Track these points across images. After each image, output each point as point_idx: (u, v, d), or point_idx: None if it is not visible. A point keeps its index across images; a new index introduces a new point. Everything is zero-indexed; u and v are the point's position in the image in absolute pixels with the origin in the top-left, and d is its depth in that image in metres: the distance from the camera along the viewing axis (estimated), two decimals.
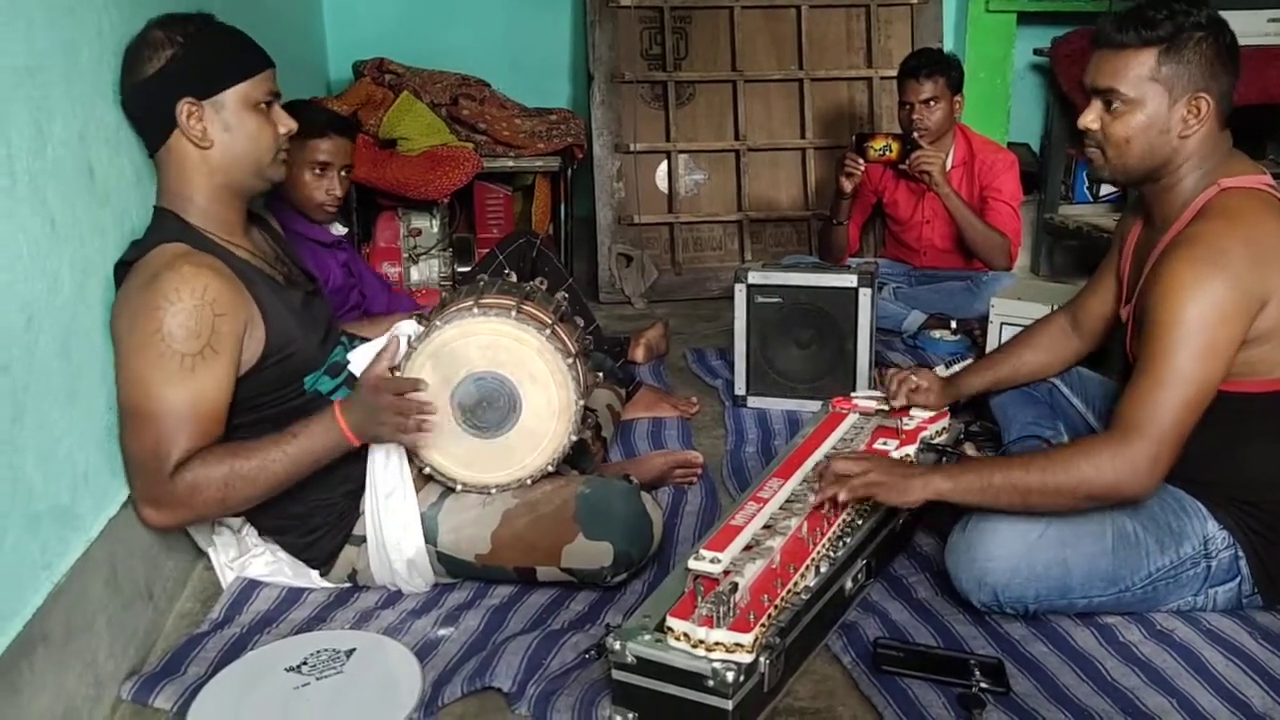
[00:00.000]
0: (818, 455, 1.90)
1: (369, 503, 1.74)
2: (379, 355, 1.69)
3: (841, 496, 1.65)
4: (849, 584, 1.68)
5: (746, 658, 1.37)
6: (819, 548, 1.62)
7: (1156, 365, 1.56)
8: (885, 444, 1.93)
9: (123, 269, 1.62)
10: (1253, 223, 1.58)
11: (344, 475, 1.73)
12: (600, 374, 2.29)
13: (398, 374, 1.69)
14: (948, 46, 3.97)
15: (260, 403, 1.68)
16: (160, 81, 1.62)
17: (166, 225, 1.65)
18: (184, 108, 1.61)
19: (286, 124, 1.72)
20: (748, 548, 1.56)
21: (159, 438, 1.55)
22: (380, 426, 1.66)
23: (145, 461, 1.56)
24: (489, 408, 1.73)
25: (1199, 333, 1.53)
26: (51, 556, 1.41)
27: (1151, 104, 1.63)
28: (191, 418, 1.56)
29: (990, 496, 1.61)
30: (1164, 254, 1.63)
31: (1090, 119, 1.68)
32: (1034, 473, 1.58)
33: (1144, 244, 1.78)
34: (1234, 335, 1.56)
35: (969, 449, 2.11)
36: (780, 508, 1.69)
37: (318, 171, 2.36)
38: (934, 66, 3.14)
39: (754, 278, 2.65)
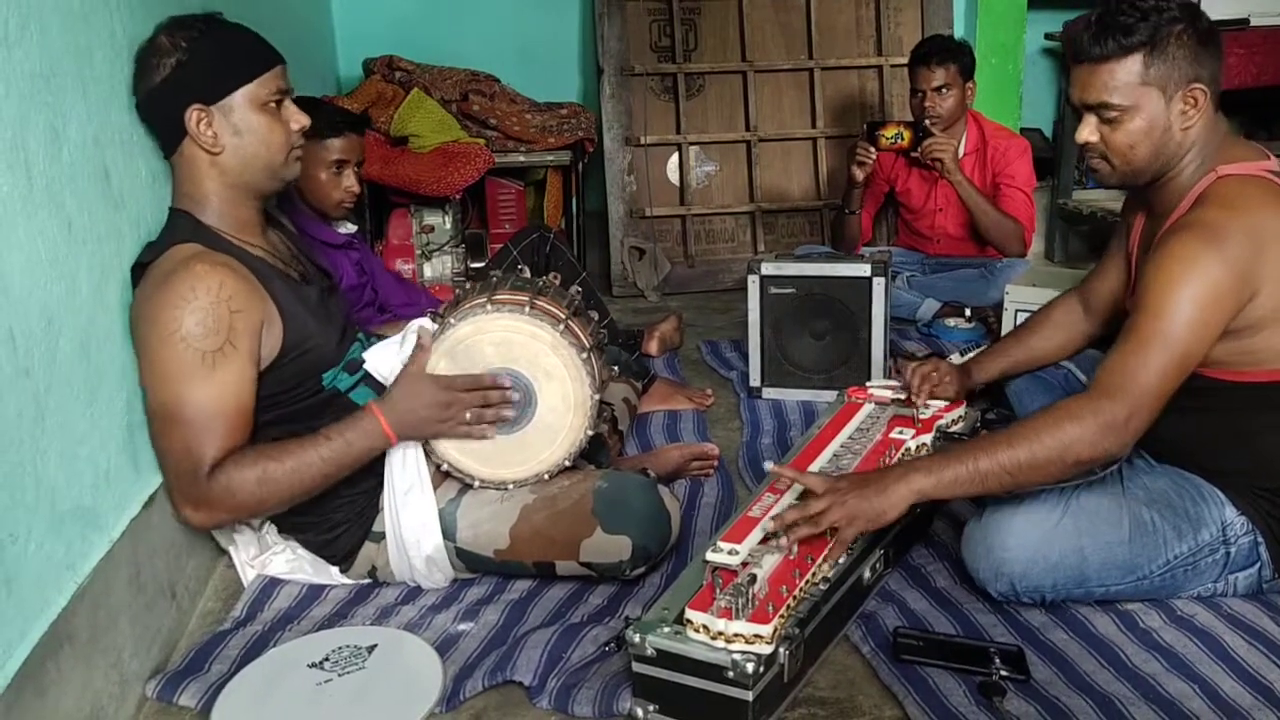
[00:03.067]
0: (834, 445, 1.90)
1: (387, 500, 1.75)
2: (417, 352, 1.69)
3: (805, 533, 1.53)
4: (867, 573, 1.68)
5: (766, 649, 1.37)
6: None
7: (1142, 329, 1.55)
8: (901, 433, 1.93)
9: (139, 271, 1.62)
10: (1252, 210, 1.56)
11: (362, 472, 1.74)
12: (615, 368, 2.29)
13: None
14: (958, 33, 3.96)
15: (280, 400, 1.69)
16: (168, 89, 1.62)
17: (181, 226, 1.65)
18: (193, 114, 1.61)
19: (299, 120, 1.70)
20: (765, 539, 1.56)
21: (190, 438, 1.55)
22: (444, 423, 1.69)
23: (179, 463, 1.57)
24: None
25: (1189, 305, 1.53)
26: (75, 557, 1.42)
27: (1148, 107, 1.61)
28: (219, 415, 1.56)
29: (978, 484, 1.56)
30: (1161, 238, 1.63)
31: (1088, 133, 1.66)
32: (1020, 448, 1.54)
33: (1147, 233, 1.77)
34: (1222, 316, 1.55)
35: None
36: (797, 498, 1.69)
37: (335, 170, 2.37)
38: (945, 53, 3.12)
39: (767, 269, 2.65)
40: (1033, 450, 1.54)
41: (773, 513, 1.60)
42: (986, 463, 1.55)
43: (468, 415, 1.70)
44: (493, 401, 1.71)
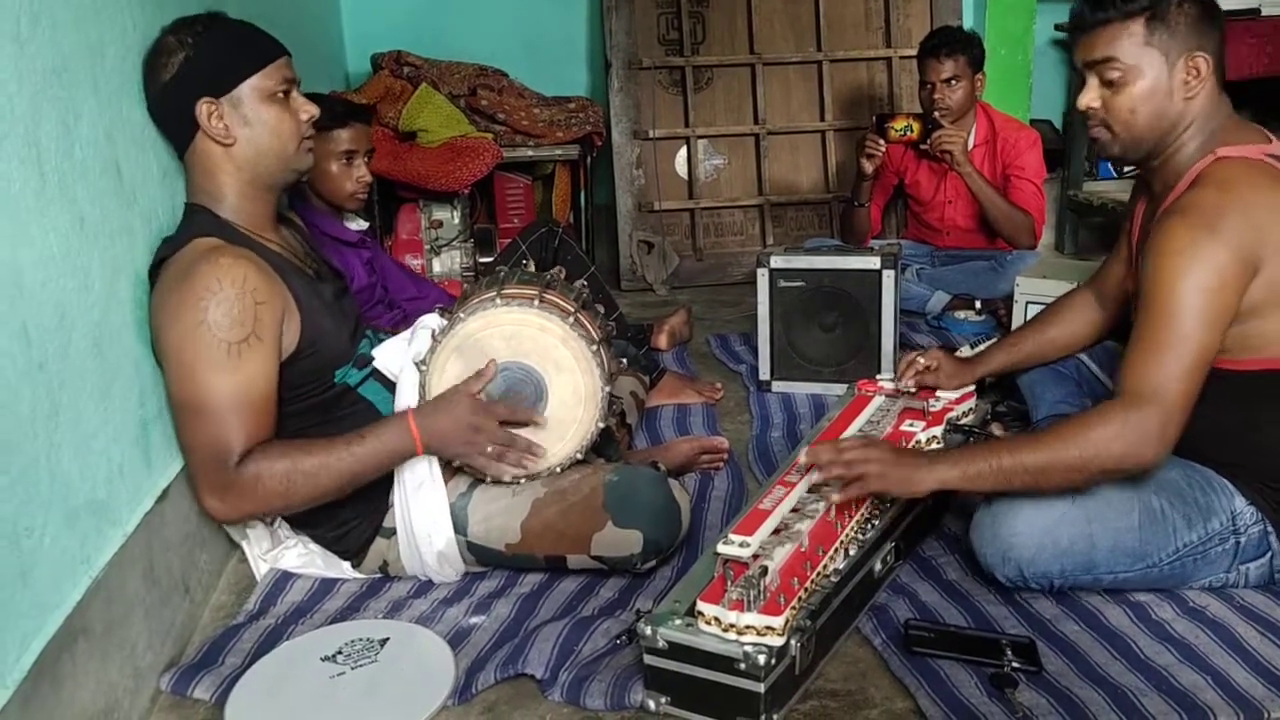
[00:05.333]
0: (844, 438, 1.89)
1: (398, 495, 1.75)
2: (477, 375, 1.70)
3: (837, 473, 1.58)
4: (878, 566, 1.68)
5: (777, 641, 1.38)
6: (847, 530, 1.62)
7: (1158, 330, 1.54)
8: (911, 425, 1.93)
9: (157, 268, 1.63)
10: (1247, 191, 1.55)
11: None
12: (624, 361, 2.29)
13: (482, 394, 1.70)
14: (967, 24, 3.95)
15: (292, 395, 1.69)
16: (177, 86, 1.63)
17: (199, 220, 1.66)
18: (203, 108, 1.62)
19: (307, 110, 1.71)
20: (776, 531, 1.56)
21: (216, 429, 1.56)
22: (467, 446, 1.69)
23: (207, 454, 1.58)
24: (516, 397, 1.73)
25: (1198, 295, 1.51)
26: (90, 550, 1.43)
27: (1151, 70, 1.60)
28: (244, 406, 1.57)
29: (1001, 481, 1.58)
30: (1158, 222, 1.62)
31: (1090, 98, 1.66)
32: (1044, 451, 1.55)
33: (1147, 215, 1.77)
34: (1231, 300, 1.54)
35: (996, 429, 2.10)
36: (807, 491, 1.69)
37: (345, 161, 2.38)
38: (954, 45, 3.11)
39: (776, 262, 2.65)
40: (1056, 456, 1.54)
41: (786, 501, 1.60)
42: (1010, 461, 1.56)
43: (489, 448, 1.70)
44: (513, 446, 1.71)
